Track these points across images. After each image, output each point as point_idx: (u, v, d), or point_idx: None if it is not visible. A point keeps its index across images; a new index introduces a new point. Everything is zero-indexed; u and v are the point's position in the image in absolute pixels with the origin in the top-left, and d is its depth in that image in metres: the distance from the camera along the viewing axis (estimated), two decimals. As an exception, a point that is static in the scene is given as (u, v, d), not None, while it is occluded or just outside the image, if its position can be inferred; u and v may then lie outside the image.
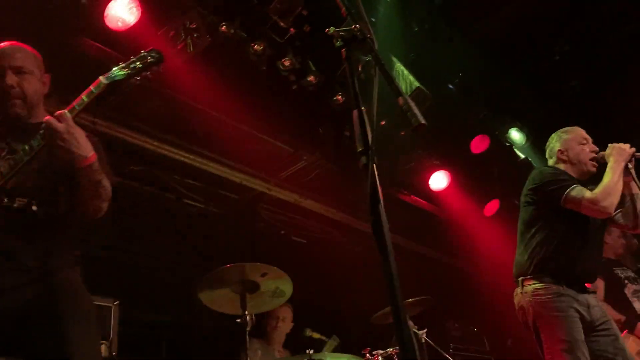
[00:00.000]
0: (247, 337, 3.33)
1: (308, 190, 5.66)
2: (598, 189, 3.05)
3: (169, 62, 3.93)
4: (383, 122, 5.70)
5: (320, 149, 5.32)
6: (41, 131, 1.96)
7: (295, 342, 4.63)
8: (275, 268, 3.48)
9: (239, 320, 3.35)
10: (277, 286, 3.62)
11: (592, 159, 3.32)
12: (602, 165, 3.27)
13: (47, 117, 1.94)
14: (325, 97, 4.85)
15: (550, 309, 3.00)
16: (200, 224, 5.26)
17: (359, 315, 4.79)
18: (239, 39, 4.19)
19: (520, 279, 3.20)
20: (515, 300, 3.24)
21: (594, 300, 3.16)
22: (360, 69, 4.83)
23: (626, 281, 4.67)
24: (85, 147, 1.97)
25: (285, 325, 4.67)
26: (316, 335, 4.32)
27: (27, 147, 1.97)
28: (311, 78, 4.73)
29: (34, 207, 2.00)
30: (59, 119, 1.93)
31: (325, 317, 4.65)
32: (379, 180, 1.32)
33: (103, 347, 3.40)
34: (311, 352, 3.47)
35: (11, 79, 2.12)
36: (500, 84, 6.09)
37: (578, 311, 3.01)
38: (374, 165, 1.34)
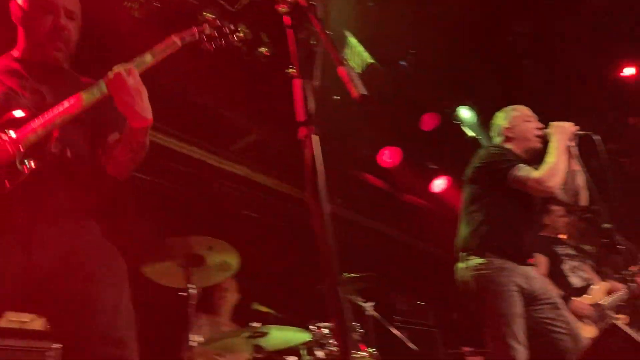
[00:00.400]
0: (193, 311, 3.29)
1: (260, 164, 5.60)
2: (543, 169, 3.13)
3: (120, 27, 3.81)
4: (336, 97, 5.70)
5: (271, 122, 5.26)
6: (103, 81, 1.84)
7: (244, 317, 4.62)
8: (222, 241, 3.44)
9: (183, 293, 3.30)
10: (223, 260, 3.58)
11: (537, 136, 3.41)
12: (547, 142, 3.35)
13: (119, 70, 1.82)
14: (278, 70, 4.78)
15: (492, 282, 3.07)
16: (147, 197, 5.14)
17: (306, 288, 4.82)
18: (190, 7, 4.06)
19: (463, 253, 3.27)
20: (458, 275, 3.30)
21: (534, 272, 3.27)
22: (312, 42, 4.78)
23: (565, 258, 4.86)
24: (147, 109, 1.87)
25: (230, 295, 4.63)
26: (264, 309, 4.31)
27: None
28: (264, 50, 4.64)
29: (69, 154, 1.90)
30: (128, 72, 1.83)
31: (273, 291, 4.64)
32: (326, 149, 1.30)
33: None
34: (256, 325, 3.46)
35: (65, 20, 2.01)
36: (452, 62, 6.14)
37: (519, 285, 3.09)
38: (315, 136, 1.31)
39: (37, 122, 1.76)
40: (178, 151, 5.03)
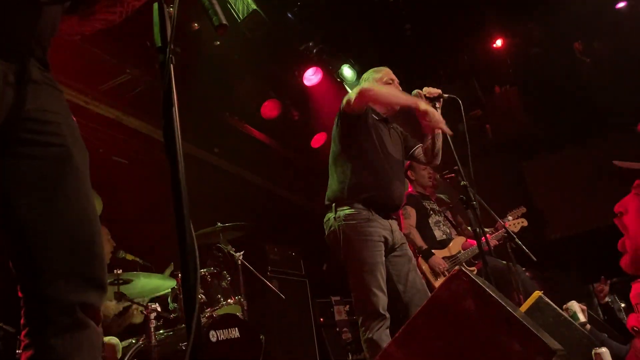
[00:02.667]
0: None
1: (131, 107, 5.29)
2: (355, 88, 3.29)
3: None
4: (217, 43, 5.50)
5: (146, 63, 4.96)
6: None
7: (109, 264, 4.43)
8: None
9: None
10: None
11: None
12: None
13: None
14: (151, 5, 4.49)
15: (359, 232, 3.20)
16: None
17: (174, 235, 4.72)
18: None
19: (332, 204, 3.36)
20: (327, 225, 3.39)
21: (396, 225, 3.44)
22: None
23: (431, 212, 5.20)
24: None
25: (106, 244, 4.43)
26: (130, 257, 4.17)
27: None
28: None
29: None
30: None
31: (140, 239, 4.49)
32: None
33: None
34: (119, 271, 3.34)
35: None
36: (338, 20, 6.17)
37: (383, 236, 3.26)
38: (171, 65, 1.23)
39: None
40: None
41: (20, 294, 1.44)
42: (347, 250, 3.22)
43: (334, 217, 3.31)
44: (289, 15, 5.95)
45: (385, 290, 3.15)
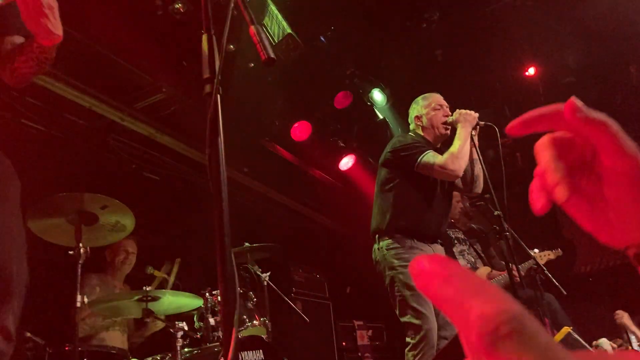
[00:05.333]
0: (80, 270, 3.14)
1: (165, 125, 5.39)
2: (446, 154, 3.30)
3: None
4: (252, 65, 5.59)
5: (182, 82, 5.07)
6: None
7: (137, 280, 4.49)
8: (117, 201, 3.29)
9: (71, 252, 3.14)
10: (117, 220, 3.44)
11: (443, 123, 3.57)
12: (454, 129, 3.52)
13: None
14: (192, 28, 4.60)
15: (401, 259, 3.25)
16: (39, 148, 4.80)
17: (202, 255, 4.76)
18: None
19: (376, 235, 3.40)
20: (373, 256, 3.44)
21: (440, 250, 3.48)
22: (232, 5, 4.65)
23: (455, 241, 5.16)
24: (59, 25, 1.68)
25: (133, 259, 4.51)
26: (158, 274, 4.22)
27: None
28: (179, 6, 4.46)
29: None
30: None
31: (169, 256, 4.53)
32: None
33: None
34: (148, 288, 3.38)
35: None
36: (369, 43, 6.22)
37: None
38: (218, 95, 1.27)
39: None
40: (79, 104, 4.72)
41: None
42: (393, 278, 3.26)
43: (378, 248, 3.38)
44: (322, 39, 6.03)
45: (433, 313, 3.15)
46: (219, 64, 1.29)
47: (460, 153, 3.30)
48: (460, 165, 3.29)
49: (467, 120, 3.42)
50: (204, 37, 1.32)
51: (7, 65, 1.80)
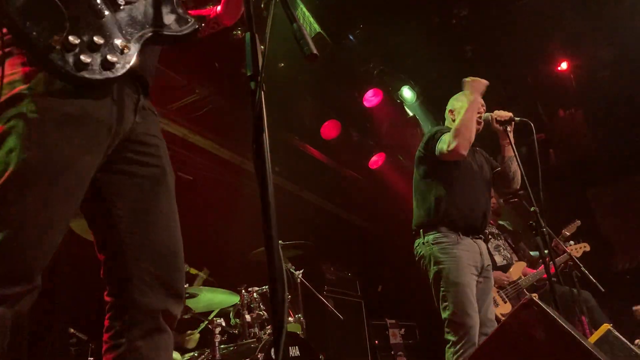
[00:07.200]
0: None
1: (198, 126, 5.48)
2: (449, 132, 3.27)
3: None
4: (282, 65, 5.64)
5: (214, 83, 5.14)
6: None
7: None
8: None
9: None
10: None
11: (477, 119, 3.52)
12: (487, 125, 3.47)
13: None
14: (224, 30, 4.66)
15: (448, 254, 3.21)
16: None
17: (237, 252, 4.82)
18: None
19: (420, 230, 3.38)
20: (416, 251, 3.41)
21: (484, 247, 3.42)
22: (262, 5, 4.71)
23: (490, 237, 5.12)
24: None
25: None
26: (194, 271, 4.29)
27: None
28: (211, 5, 4.53)
29: None
30: None
31: (204, 253, 4.61)
32: (269, 117, 1.29)
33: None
34: (185, 285, 3.44)
35: None
36: (398, 41, 6.21)
37: (473, 258, 3.25)
38: (262, 92, 1.30)
39: None
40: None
41: (107, 298, 1.55)
42: (436, 273, 3.23)
43: (422, 243, 3.34)
44: (350, 37, 6.04)
45: (477, 310, 3.14)
46: (261, 62, 1.32)
47: (460, 129, 3.21)
48: (460, 142, 3.17)
49: (473, 87, 3.37)
50: (247, 35, 1.35)
51: None
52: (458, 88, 3.78)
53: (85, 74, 1.41)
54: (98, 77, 1.44)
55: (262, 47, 1.37)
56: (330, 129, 6.47)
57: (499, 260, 4.98)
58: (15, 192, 1.31)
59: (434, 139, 3.36)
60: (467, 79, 3.42)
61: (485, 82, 3.39)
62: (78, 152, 1.40)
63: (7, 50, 1.43)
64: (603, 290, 4.06)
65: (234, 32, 4.79)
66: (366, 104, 6.51)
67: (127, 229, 1.54)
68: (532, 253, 5.30)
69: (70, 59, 1.40)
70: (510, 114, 3.40)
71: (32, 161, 1.32)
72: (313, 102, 6.28)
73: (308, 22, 5.28)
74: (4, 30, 1.43)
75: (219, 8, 1.93)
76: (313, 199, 7.45)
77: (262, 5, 4.69)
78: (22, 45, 1.41)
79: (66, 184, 1.38)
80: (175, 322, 1.61)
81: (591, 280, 4.21)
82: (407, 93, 6.74)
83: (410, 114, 6.90)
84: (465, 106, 3.32)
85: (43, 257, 1.36)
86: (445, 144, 3.24)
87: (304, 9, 5.24)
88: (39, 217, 1.33)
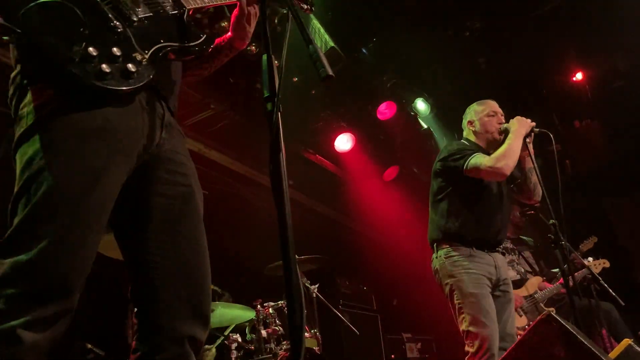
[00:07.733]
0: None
1: (213, 141, 5.52)
2: (494, 154, 3.26)
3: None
4: (295, 79, 5.67)
5: (229, 99, 5.19)
6: None
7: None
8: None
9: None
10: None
11: (498, 130, 3.52)
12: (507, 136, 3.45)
13: None
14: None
15: (461, 267, 3.21)
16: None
17: (252, 267, 4.82)
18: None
19: (434, 244, 3.39)
20: (432, 265, 3.41)
21: (502, 260, 3.41)
22: (276, 21, 4.76)
23: (504, 252, 5.07)
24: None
25: None
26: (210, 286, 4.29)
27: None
28: (225, 24, 4.58)
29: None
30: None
31: (219, 268, 4.62)
32: (283, 131, 1.30)
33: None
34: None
35: None
36: (411, 54, 6.22)
37: (487, 270, 3.24)
38: (279, 113, 1.31)
39: None
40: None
41: (134, 320, 1.54)
42: (452, 286, 3.23)
43: (436, 257, 3.36)
44: (364, 50, 6.07)
45: (496, 321, 3.11)
46: (278, 83, 1.33)
47: (508, 152, 3.23)
48: (506, 163, 3.20)
49: (522, 125, 3.37)
50: (264, 57, 1.36)
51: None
52: (472, 99, 3.78)
53: (108, 84, 1.44)
54: (124, 87, 1.46)
55: (276, 62, 1.39)
56: (344, 142, 6.47)
57: (512, 275, 4.93)
58: (48, 209, 1.32)
59: (458, 154, 3.36)
60: (515, 118, 3.42)
61: (531, 123, 3.39)
62: (107, 164, 1.42)
63: (29, 75, 1.46)
64: (623, 304, 4.01)
65: (248, 48, 4.84)
66: (379, 116, 6.51)
67: (154, 251, 1.53)
68: (552, 270, 5.25)
69: (91, 70, 1.42)
70: (533, 124, 3.38)
71: (61, 178, 1.34)
72: (327, 115, 6.31)
73: (321, 36, 5.31)
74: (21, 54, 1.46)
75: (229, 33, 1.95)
76: (327, 212, 7.45)
77: (276, 21, 4.75)
78: (41, 61, 1.43)
79: (96, 196, 1.39)
80: (201, 348, 1.59)
81: (610, 293, 4.15)
82: (421, 105, 6.73)
83: (425, 126, 6.89)
84: (514, 133, 3.31)
85: (79, 272, 1.36)
86: (484, 159, 3.23)
87: (317, 24, 5.28)
88: (73, 231, 1.34)
